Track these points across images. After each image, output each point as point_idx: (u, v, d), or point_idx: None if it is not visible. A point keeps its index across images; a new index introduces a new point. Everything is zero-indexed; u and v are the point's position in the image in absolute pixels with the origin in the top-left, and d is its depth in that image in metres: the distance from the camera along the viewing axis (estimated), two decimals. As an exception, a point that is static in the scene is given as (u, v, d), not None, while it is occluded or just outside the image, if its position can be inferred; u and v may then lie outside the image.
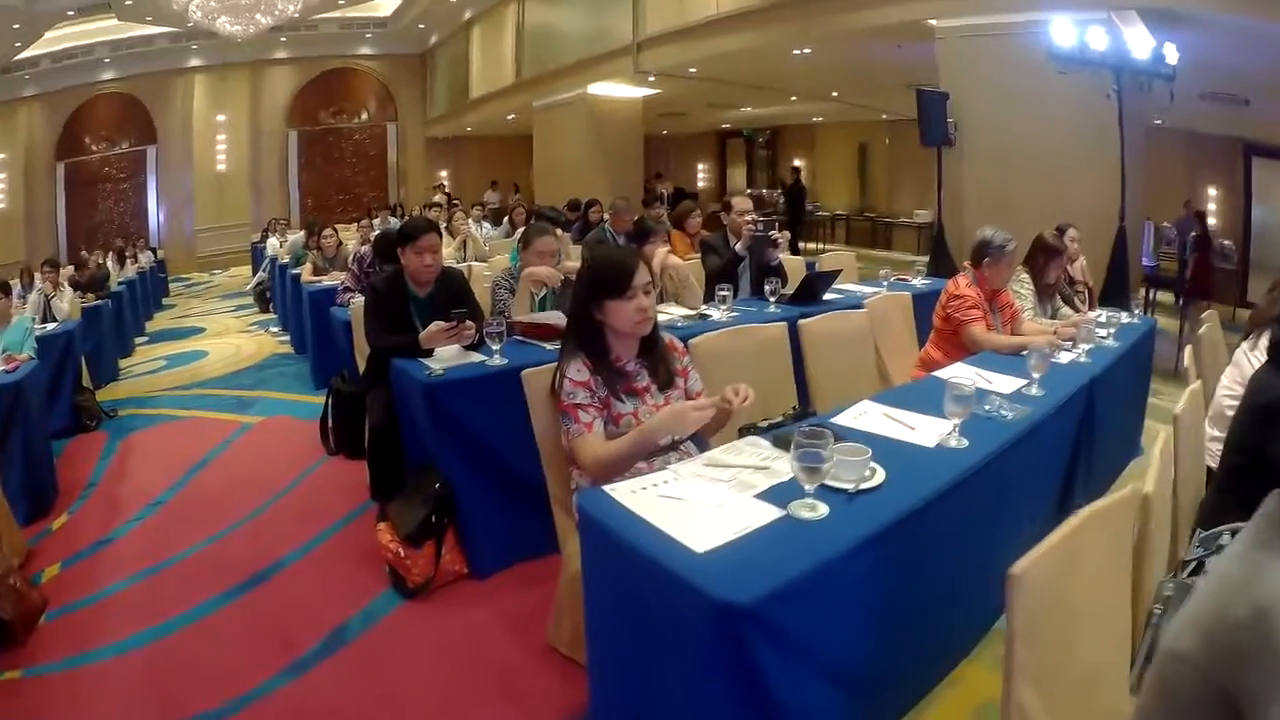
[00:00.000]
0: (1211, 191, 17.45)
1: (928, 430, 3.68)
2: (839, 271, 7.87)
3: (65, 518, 6.45)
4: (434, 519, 4.82)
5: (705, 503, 2.90)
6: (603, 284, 3.65)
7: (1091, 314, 6.58)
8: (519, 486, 4.89)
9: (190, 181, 27.78)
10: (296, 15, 23.38)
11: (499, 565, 5.09)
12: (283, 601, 4.93)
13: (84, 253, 16.32)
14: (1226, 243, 16.16)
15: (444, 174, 31.19)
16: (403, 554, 4.78)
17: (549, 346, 5.38)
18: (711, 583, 2.38)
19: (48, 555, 5.74)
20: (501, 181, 28.44)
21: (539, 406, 3.92)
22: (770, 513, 2.80)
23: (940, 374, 4.86)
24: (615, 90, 20.47)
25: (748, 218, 7.79)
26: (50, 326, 9.34)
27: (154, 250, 22.39)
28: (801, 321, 5.49)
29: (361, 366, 6.72)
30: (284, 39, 27.89)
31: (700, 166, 31.88)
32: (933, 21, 12.56)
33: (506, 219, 15.44)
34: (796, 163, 27.85)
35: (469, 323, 5.30)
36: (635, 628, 2.80)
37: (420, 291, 5.84)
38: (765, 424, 4.03)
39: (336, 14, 28.25)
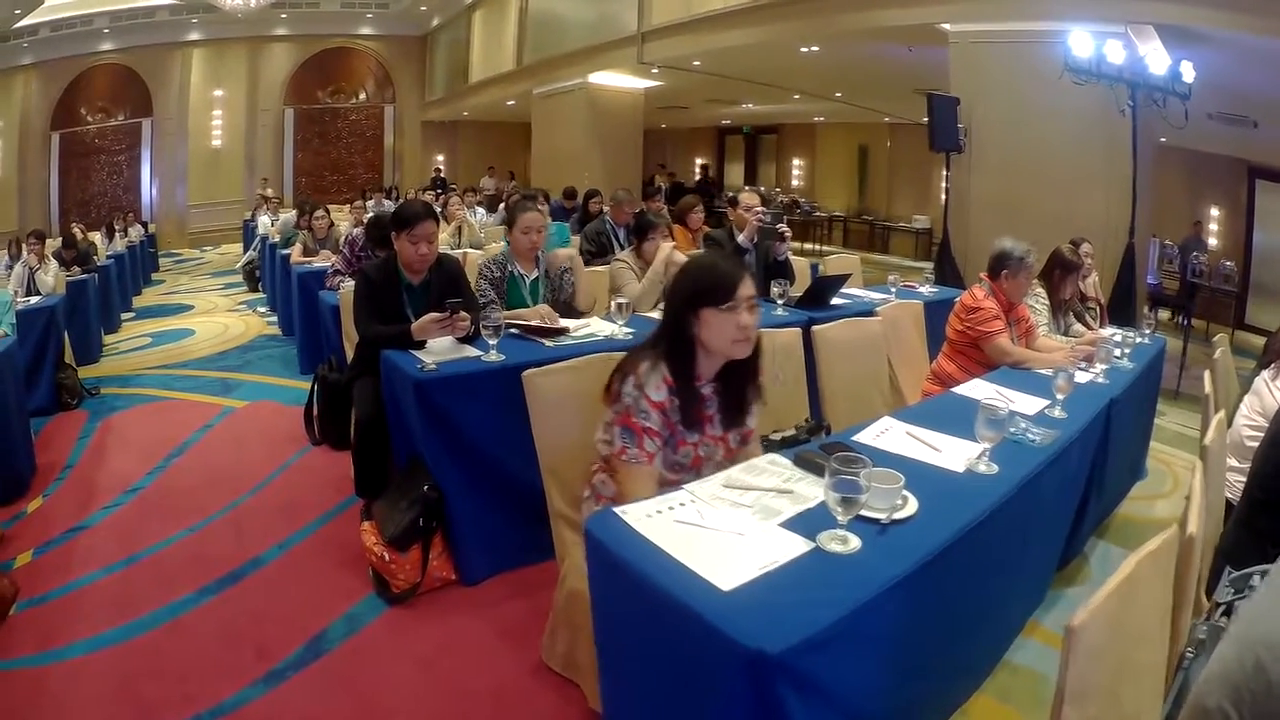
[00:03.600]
0: (1213, 212, 17.33)
1: (954, 453, 3.50)
2: (848, 276, 7.63)
3: (40, 501, 6.21)
4: (422, 522, 4.58)
5: (727, 531, 2.68)
6: (702, 291, 3.31)
7: (1106, 332, 6.47)
8: (512, 490, 4.76)
9: (184, 156, 27.74)
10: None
11: (488, 572, 4.87)
12: (260, 603, 4.69)
13: (75, 228, 15.87)
14: (1228, 263, 16.01)
15: (440, 158, 31.14)
16: (388, 558, 4.54)
17: (549, 344, 5.20)
18: (739, 628, 2.16)
19: (21, 541, 5.51)
20: (498, 168, 28.33)
21: (542, 412, 3.70)
22: (798, 545, 2.59)
23: (961, 391, 4.70)
24: (617, 80, 20.33)
25: (756, 212, 7.55)
26: (33, 300, 9.10)
27: (144, 224, 22.11)
28: (816, 328, 5.23)
29: (350, 354, 6.52)
30: (284, 15, 28.02)
31: (698, 161, 31.64)
32: (946, 26, 12.39)
33: (502, 205, 15.20)
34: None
35: (463, 314, 5.02)
36: (648, 661, 2.59)
37: (414, 279, 5.56)
38: (778, 437, 3.90)
39: None
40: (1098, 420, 4.54)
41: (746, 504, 2.90)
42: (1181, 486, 6.66)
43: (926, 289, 8.19)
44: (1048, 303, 6.47)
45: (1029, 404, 4.36)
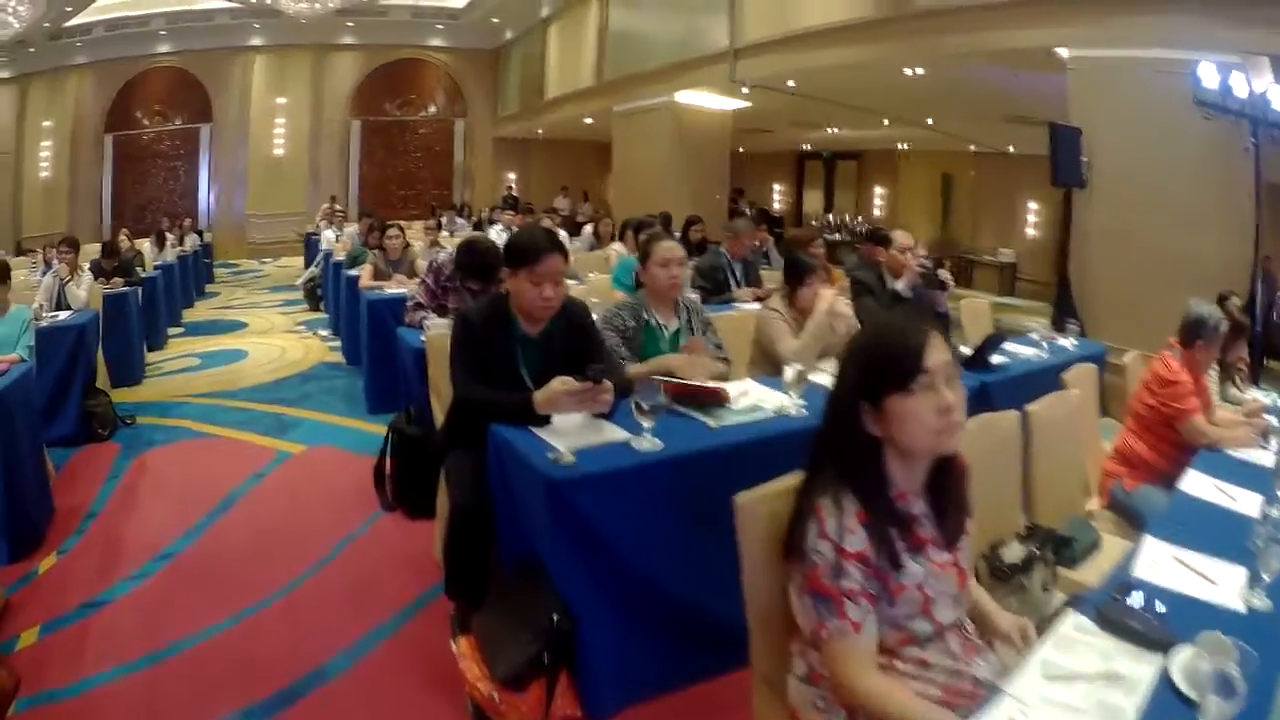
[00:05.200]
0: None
1: (1227, 583, 2.96)
2: (1007, 334, 6.57)
3: (55, 559, 5.38)
4: (547, 658, 3.47)
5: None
6: (879, 371, 2.34)
7: (1263, 398, 5.73)
8: (657, 608, 3.82)
9: (245, 164, 27.52)
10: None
11: (621, 704, 3.79)
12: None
13: (121, 235, 14.92)
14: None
15: (512, 176, 30.60)
16: (498, 699, 3.46)
17: (712, 424, 4.04)
18: None
19: (28, 611, 4.68)
20: (572, 188, 27.95)
21: (757, 548, 2.63)
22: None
23: (1187, 489, 3.98)
24: (704, 100, 19.37)
25: (919, 255, 6.50)
26: (61, 316, 8.28)
27: (200, 233, 21.72)
28: (1031, 408, 4.22)
29: (436, 410, 5.40)
30: (351, 24, 27.62)
31: (776, 187, 31.07)
32: (1062, 51, 11.56)
33: (590, 231, 14.09)
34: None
35: (606, 383, 3.86)
36: None
37: (531, 330, 4.29)
38: (1015, 558, 3.46)
39: (408, 1, 27.78)
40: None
41: (1079, 704, 2.25)
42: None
43: (1070, 342, 6.93)
44: (1218, 368, 5.83)
45: (1249, 501, 3.81)
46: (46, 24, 22.73)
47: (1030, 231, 21.26)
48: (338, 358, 11.28)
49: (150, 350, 11.35)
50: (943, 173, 24.69)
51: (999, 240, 22.39)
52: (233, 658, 4.23)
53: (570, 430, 3.85)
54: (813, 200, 29.65)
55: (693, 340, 4.99)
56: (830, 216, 26.65)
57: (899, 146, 25.43)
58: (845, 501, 2.32)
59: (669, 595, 3.64)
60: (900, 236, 6.95)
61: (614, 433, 3.87)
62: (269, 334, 13.48)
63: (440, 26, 29.00)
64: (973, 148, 22.44)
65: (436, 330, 5.81)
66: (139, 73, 26.20)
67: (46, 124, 25.19)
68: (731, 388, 4.50)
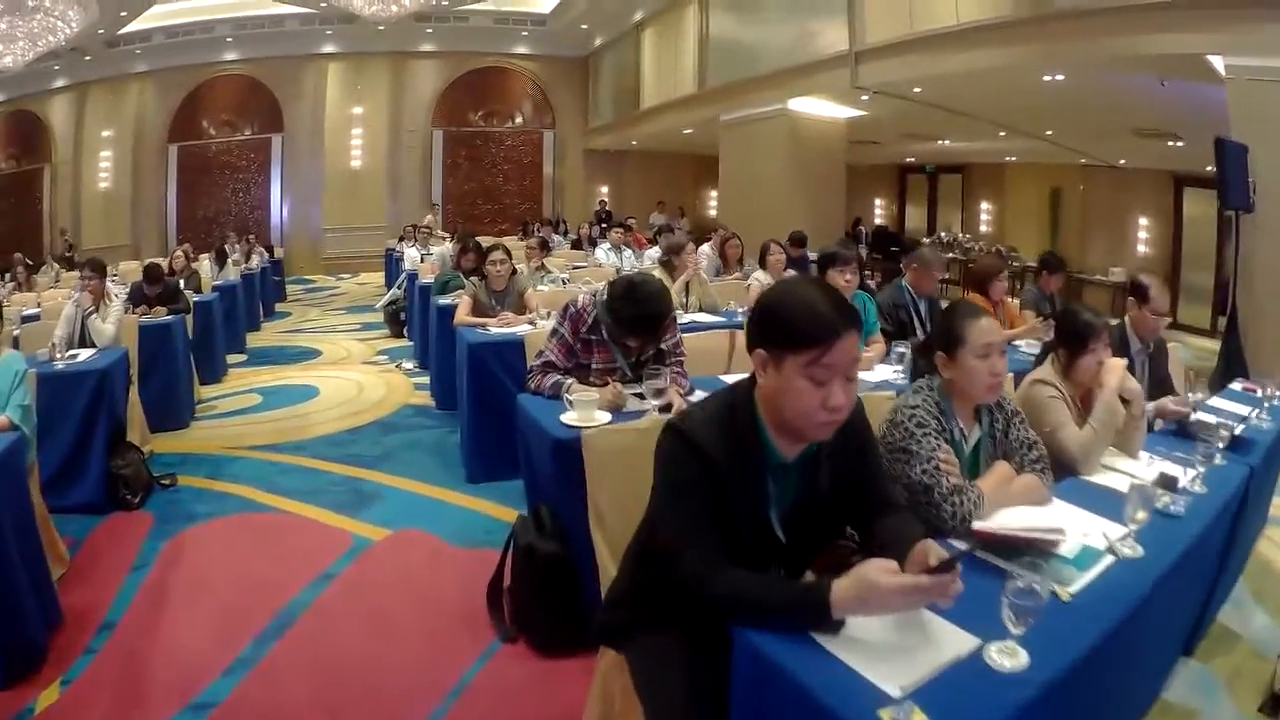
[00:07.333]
0: None
1: None
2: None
3: (58, 691, 4.04)
4: None
5: None
6: None
7: None
8: None
9: (320, 176, 27.04)
10: (445, 2, 23.62)
11: None
12: None
13: (179, 252, 13.17)
14: None
15: (604, 190, 29.84)
16: None
17: (1065, 595, 2.42)
18: None
19: None
20: (668, 202, 27.31)
21: None
22: None
23: None
24: (820, 108, 18.23)
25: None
26: (82, 356, 7.09)
27: (270, 249, 20.89)
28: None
29: (600, 546, 3.45)
30: (430, 30, 27.15)
31: (877, 202, 29.84)
32: (1215, 60, 10.45)
33: (713, 250, 12.10)
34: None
35: (957, 566, 2.18)
36: None
37: (788, 451, 2.56)
38: None
39: (490, 6, 27.01)
40: None
41: None
42: None
43: (1275, 394, 5.32)
44: None
45: None
46: (101, 30, 22.43)
47: (1142, 249, 20.22)
48: (425, 399, 9.78)
49: (204, 384, 10.06)
50: (1051, 187, 23.62)
51: (1109, 258, 21.16)
52: None
53: (881, 643, 2.15)
54: (915, 215, 28.73)
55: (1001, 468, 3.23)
56: (941, 234, 25.63)
57: (1006, 160, 24.38)
58: None
59: None
60: (1159, 295, 5.25)
61: (948, 638, 2.17)
62: (345, 365, 12.15)
63: (525, 33, 28.33)
64: (1083, 161, 21.36)
65: (583, 411, 4.20)
66: (204, 81, 26.03)
67: (106, 133, 25.04)
68: (1053, 522, 2.82)
